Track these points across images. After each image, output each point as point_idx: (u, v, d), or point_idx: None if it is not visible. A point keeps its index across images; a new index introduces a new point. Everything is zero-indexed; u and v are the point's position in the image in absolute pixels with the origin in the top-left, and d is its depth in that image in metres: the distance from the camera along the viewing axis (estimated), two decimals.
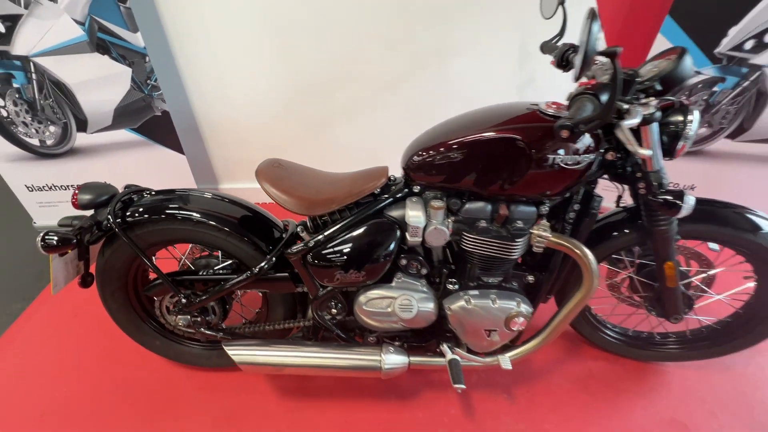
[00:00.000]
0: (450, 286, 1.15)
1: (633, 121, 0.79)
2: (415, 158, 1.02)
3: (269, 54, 1.78)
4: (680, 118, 0.94)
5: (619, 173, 1.05)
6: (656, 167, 0.96)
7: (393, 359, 1.15)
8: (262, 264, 1.10)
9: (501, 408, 1.34)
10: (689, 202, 0.91)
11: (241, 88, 1.87)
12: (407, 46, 1.78)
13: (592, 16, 0.58)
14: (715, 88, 1.71)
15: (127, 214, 1.08)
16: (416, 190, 1.08)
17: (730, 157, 1.86)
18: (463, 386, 1.08)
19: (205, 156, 2.09)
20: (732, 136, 1.80)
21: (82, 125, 1.72)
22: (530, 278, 1.17)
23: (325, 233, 1.07)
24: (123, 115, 1.72)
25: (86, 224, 1.08)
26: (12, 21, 1.46)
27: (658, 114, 0.90)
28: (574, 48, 1.15)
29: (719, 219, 1.09)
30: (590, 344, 1.52)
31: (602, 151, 0.99)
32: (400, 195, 1.08)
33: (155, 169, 1.84)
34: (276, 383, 1.39)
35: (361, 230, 1.06)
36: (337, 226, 1.07)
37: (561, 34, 1.20)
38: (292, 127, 2.00)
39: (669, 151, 0.97)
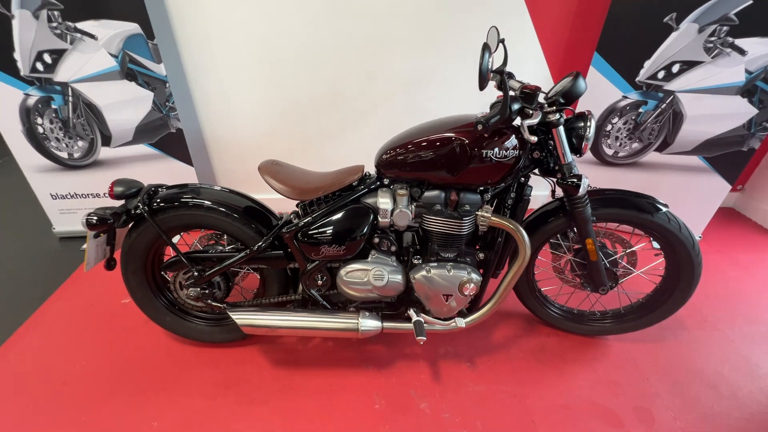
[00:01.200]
0: (415, 261, 1.41)
1: (532, 121, 1.10)
2: (384, 156, 1.31)
3: (266, 82, 2.11)
4: (582, 123, 1.25)
5: (545, 168, 1.35)
6: (567, 161, 1.26)
7: (368, 323, 1.38)
8: (261, 243, 1.36)
9: (464, 374, 1.55)
10: (585, 183, 1.20)
11: (241, 110, 2.19)
12: (384, 75, 2.13)
13: (484, 48, 0.89)
14: (641, 110, 2.06)
15: (153, 202, 1.34)
16: (386, 182, 1.36)
17: (660, 167, 2.19)
18: (424, 338, 1.32)
19: (210, 168, 2.37)
20: (659, 149, 2.14)
21: (107, 140, 2.00)
22: (481, 255, 1.43)
23: (313, 216, 1.34)
24: (143, 132, 2.01)
25: (119, 210, 1.33)
26: (58, 54, 1.78)
27: (562, 119, 1.21)
28: (509, 74, 1.48)
29: (623, 203, 1.38)
30: (540, 321, 1.76)
31: (530, 150, 1.30)
32: (373, 186, 1.36)
33: (167, 178, 2.11)
34: (269, 356, 1.60)
35: (341, 214, 1.33)
36: (323, 211, 1.34)
37: (504, 63, 1.54)
38: (284, 143, 2.31)
39: (578, 150, 1.28)
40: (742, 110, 1.93)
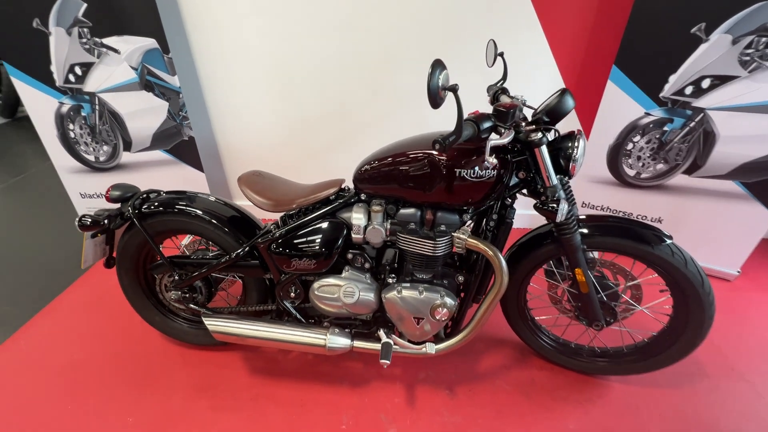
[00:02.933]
0: (389, 280, 1.37)
1: (500, 141, 1.03)
2: (361, 170, 1.29)
3: (276, 95, 2.18)
4: (570, 143, 1.16)
5: (532, 190, 1.26)
6: (551, 183, 1.16)
7: (337, 340, 1.35)
8: (238, 251, 1.38)
9: (441, 402, 1.47)
10: (563, 210, 1.10)
11: (253, 121, 2.27)
12: (389, 90, 2.12)
13: (434, 65, 0.84)
14: (666, 128, 1.88)
15: (143, 207, 1.42)
16: (363, 198, 1.34)
17: (689, 191, 1.97)
18: (388, 362, 1.27)
19: (223, 175, 2.48)
20: (688, 171, 1.93)
21: (128, 146, 2.16)
22: (460, 278, 1.36)
23: (288, 228, 1.34)
24: (159, 139, 2.14)
25: (113, 213, 1.42)
26: (87, 67, 1.95)
27: (545, 139, 1.13)
28: (503, 90, 1.41)
29: (620, 232, 1.25)
30: (533, 352, 1.63)
31: (515, 170, 1.23)
32: (350, 201, 1.34)
33: (179, 183, 2.23)
34: (249, 363, 1.62)
35: (314, 227, 1.32)
36: (298, 223, 1.34)
37: (503, 78, 1.48)
38: (292, 153, 2.36)
39: (567, 171, 1.18)
40: None
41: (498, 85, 1.47)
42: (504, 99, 1.37)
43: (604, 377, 1.55)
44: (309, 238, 1.31)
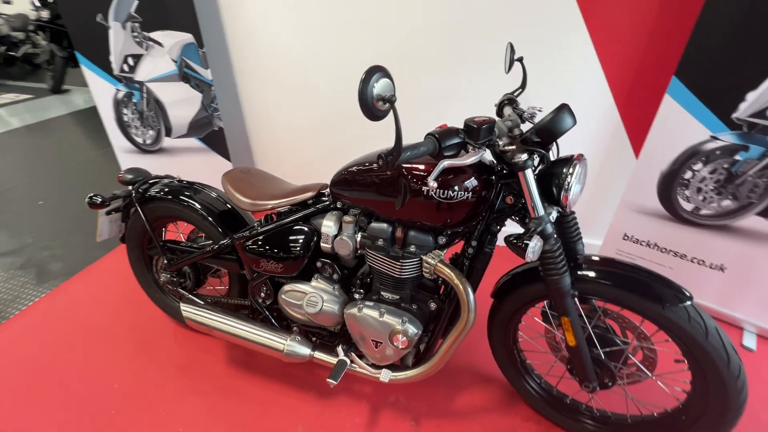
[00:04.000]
0: (356, 295, 1.29)
1: (462, 162, 0.89)
2: (337, 176, 1.23)
3: (302, 92, 2.20)
4: (564, 170, 0.97)
5: (522, 218, 1.10)
6: (537, 214, 0.99)
7: (296, 347, 1.32)
8: (221, 243, 1.42)
9: (403, 431, 1.37)
10: (533, 248, 0.92)
11: (280, 115, 2.32)
12: (411, 91, 2.01)
13: (369, 71, 0.74)
14: (737, 157, 1.52)
15: (147, 192, 1.51)
16: (339, 206, 1.28)
17: (763, 238, 1.58)
18: (335, 382, 1.20)
19: (252, 164, 2.58)
20: (765, 214, 1.54)
21: (168, 132, 2.35)
22: (433, 305, 1.24)
23: (263, 228, 1.33)
24: (194, 128, 2.29)
25: (123, 194, 1.54)
26: (137, 58, 2.15)
27: (530, 162, 0.96)
28: (511, 100, 1.25)
29: (624, 282, 1.03)
30: (522, 399, 1.44)
31: (502, 195, 1.08)
32: (327, 207, 1.29)
33: (208, 169, 2.38)
34: (229, 352, 1.66)
35: (284, 230, 1.29)
36: (271, 225, 1.32)
37: (522, 86, 1.32)
38: (315, 149, 2.37)
39: (559, 202, 1.00)
40: None
41: (514, 93, 1.30)
42: (506, 111, 1.21)
43: None
44: (278, 241, 1.29)
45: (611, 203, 1.99)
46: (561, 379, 1.36)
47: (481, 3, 1.74)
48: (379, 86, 0.76)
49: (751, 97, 1.42)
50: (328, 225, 1.23)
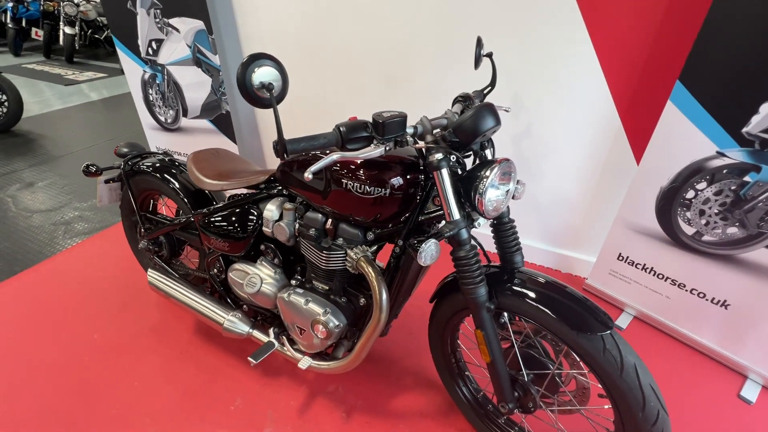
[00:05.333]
0: (293, 281, 1.32)
1: (355, 155, 0.86)
2: (280, 164, 1.25)
3: (303, 80, 2.24)
4: (481, 173, 0.92)
5: None
6: (452, 218, 0.94)
7: (235, 323, 1.38)
8: (186, 217, 1.51)
9: (333, 422, 1.38)
10: (426, 251, 0.87)
11: (286, 101, 2.39)
12: (406, 85, 1.97)
13: (250, 57, 0.75)
14: (747, 178, 1.31)
15: (135, 166, 1.65)
16: (286, 193, 1.30)
17: None
18: (254, 361, 1.23)
19: (260, 147, 2.70)
20: None
21: (185, 113, 2.53)
22: (362, 301, 1.23)
23: (216, 206, 1.40)
24: (206, 110, 2.44)
25: (116, 166, 1.69)
26: (159, 43, 2.33)
27: (444, 162, 0.92)
28: (465, 97, 1.19)
29: (542, 299, 0.94)
30: (459, 410, 1.38)
31: (432, 195, 1.04)
32: (274, 193, 1.32)
33: None
34: (200, 324, 1.77)
35: (233, 211, 1.35)
36: (224, 204, 1.38)
37: (492, 84, 1.26)
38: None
39: (475, 207, 0.94)
40: None
41: (485, 91, 1.24)
42: (456, 108, 1.16)
43: None
44: (226, 221, 1.35)
45: (609, 216, 1.82)
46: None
47: (481, 3, 1.65)
48: (262, 74, 0.76)
49: (765, 109, 1.21)
50: (270, 210, 1.26)
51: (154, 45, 2.37)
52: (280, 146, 0.81)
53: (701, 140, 1.36)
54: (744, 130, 1.27)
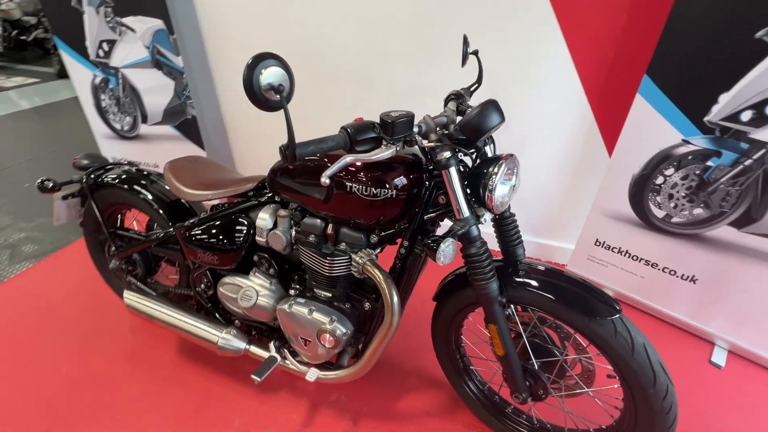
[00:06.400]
0: (291, 291, 1.27)
1: (368, 157, 0.84)
2: (272, 169, 1.19)
3: None
4: (489, 169, 0.92)
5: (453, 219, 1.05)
6: (462, 215, 0.94)
7: (231, 341, 1.30)
8: (160, 233, 1.40)
9: (339, 431, 1.34)
10: (444, 251, 0.87)
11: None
12: (384, 85, 1.96)
13: (256, 58, 0.70)
14: (710, 163, 1.43)
15: (99, 178, 1.50)
16: (278, 200, 1.24)
17: (736, 249, 1.49)
18: (259, 379, 1.17)
19: (230, 153, 2.57)
20: (737, 224, 1.45)
21: (144, 119, 2.35)
22: (367, 305, 1.20)
23: (200, 218, 1.31)
24: (168, 115, 2.29)
25: (75, 179, 1.53)
26: (111, 44, 2.14)
27: (452, 160, 0.91)
28: (457, 95, 1.19)
29: (553, 290, 0.97)
30: (464, 405, 1.40)
31: (435, 194, 1.03)
32: (264, 200, 1.26)
33: None
34: (181, 344, 1.65)
35: (221, 222, 1.27)
36: (210, 215, 1.30)
37: (478, 81, 1.26)
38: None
39: (484, 203, 0.95)
40: None
41: (471, 89, 1.25)
42: (451, 106, 1.16)
43: None
44: (215, 233, 1.27)
45: (586, 206, 1.92)
46: (502, 387, 1.31)
47: (457, 2, 1.67)
48: (269, 75, 0.72)
49: (724, 99, 1.33)
50: (263, 218, 1.20)
51: (105, 46, 2.17)
52: (290, 150, 0.77)
53: (668, 129, 1.47)
54: (706, 118, 1.38)
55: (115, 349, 1.63)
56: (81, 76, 2.35)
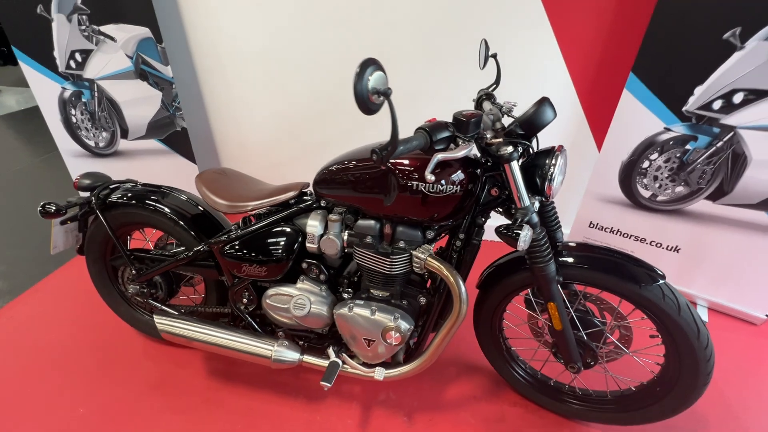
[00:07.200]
0: (345, 295, 1.27)
1: (453, 155, 0.90)
2: (320, 175, 1.20)
3: (270, 90, 2.13)
4: (546, 161, 1.01)
5: (506, 209, 1.13)
6: (523, 204, 1.02)
7: (284, 353, 1.27)
8: (196, 249, 1.34)
9: (396, 428, 1.37)
10: (524, 237, 0.95)
11: (247, 115, 2.23)
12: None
13: (363, 64, 0.73)
14: (688, 147, 1.66)
15: (109, 198, 1.40)
16: (323, 205, 1.25)
17: (712, 220, 1.73)
18: (329, 384, 1.17)
19: (219, 166, 2.46)
20: (712, 197, 1.69)
21: (125, 134, 2.18)
22: (423, 300, 1.24)
23: (242, 231, 1.27)
24: (154, 128, 2.15)
25: (80, 202, 1.41)
26: (86, 54, 1.98)
27: (515, 154, 0.99)
28: (489, 95, 1.28)
29: (604, 266, 1.08)
30: (509, 386, 1.49)
31: (488, 187, 1.10)
32: (310, 207, 1.25)
33: (172, 172, 2.24)
34: (208, 364, 1.58)
35: (267, 232, 1.24)
36: (252, 227, 1.27)
37: (497, 82, 1.35)
38: (286, 150, 2.30)
39: (543, 191, 1.03)
40: None
41: (489, 89, 1.34)
42: (486, 106, 1.24)
43: (584, 423, 1.38)
44: (260, 244, 1.24)
45: (577, 193, 2.11)
46: (545, 364, 1.42)
47: (455, 8, 1.77)
48: (375, 80, 0.75)
49: (699, 91, 1.55)
50: (313, 225, 1.19)
51: (78, 57, 2.00)
52: (391, 150, 0.80)
53: (652, 119, 1.68)
54: (684, 108, 1.60)
55: (135, 381, 1.52)
56: (45, 90, 2.13)
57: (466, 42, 1.83)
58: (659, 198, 1.81)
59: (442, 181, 1.03)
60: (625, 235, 1.97)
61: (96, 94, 2.09)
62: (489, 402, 1.46)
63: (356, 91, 0.73)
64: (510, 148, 0.99)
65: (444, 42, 1.86)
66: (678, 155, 1.69)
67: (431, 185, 1.03)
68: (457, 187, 1.04)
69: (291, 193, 1.25)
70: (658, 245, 1.91)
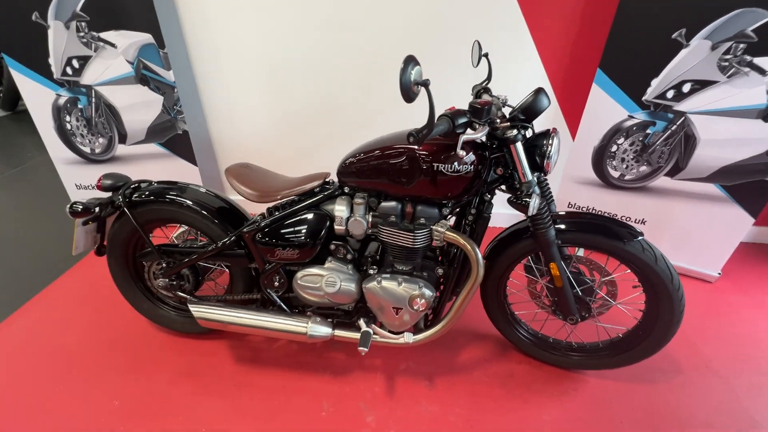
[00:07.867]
0: (371, 271, 1.41)
1: (472, 135, 1.07)
2: (344, 164, 1.33)
3: (269, 92, 2.22)
4: (545, 141, 1.20)
5: (510, 186, 1.31)
6: (526, 179, 1.20)
7: (318, 328, 1.39)
8: (225, 240, 1.42)
9: (420, 392, 1.51)
10: (534, 204, 1.14)
11: (246, 117, 2.31)
12: (379, 90, 2.16)
13: (407, 60, 0.88)
14: (648, 131, 1.92)
15: (134, 196, 1.45)
16: (346, 191, 1.38)
17: (671, 193, 2.01)
18: (366, 349, 1.30)
19: (216, 169, 2.52)
20: (670, 174, 1.97)
21: (123, 138, 2.20)
22: (440, 271, 1.40)
23: (273, 218, 1.38)
24: (153, 132, 2.18)
25: (104, 202, 1.46)
26: (84, 60, 1.99)
27: (519, 136, 1.17)
28: (485, 89, 1.46)
29: (592, 228, 1.29)
30: (513, 347, 1.67)
31: (493, 166, 1.27)
32: (334, 194, 1.38)
33: (173, 176, 2.27)
34: (234, 351, 1.66)
35: (298, 218, 1.36)
36: (283, 213, 1.38)
37: (488, 78, 1.53)
38: (285, 150, 2.40)
39: (542, 168, 1.22)
40: (764, 135, 1.74)
41: (483, 84, 1.52)
42: (485, 97, 1.42)
43: (581, 371, 1.59)
44: (293, 229, 1.35)
45: (556, 178, 2.35)
46: (544, 323, 1.62)
47: (438, 6, 1.95)
48: (415, 73, 0.90)
49: (655, 82, 1.82)
50: (340, 209, 1.33)
51: (75, 63, 2.01)
52: (427, 132, 0.96)
53: (617, 109, 1.93)
54: (643, 98, 1.87)
55: (163, 372, 1.57)
56: (39, 97, 2.12)
57: (455, 45, 2.02)
58: (626, 177, 2.07)
59: (456, 163, 1.19)
60: (600, 212, 2.22)
61: (93, 100, 2.10)
62: (498, 362, 1.63)
63: (402, 83, 0.88)
64: (515, 131, 1.17)
65: (433, 43, 2.04)
66: (640, 139, 1.96)
67: (450, 166, 1.20)
68: (471, 167, 1.21)
69: (316, 182, 1.37)
70: (627, 218, 2.17)
